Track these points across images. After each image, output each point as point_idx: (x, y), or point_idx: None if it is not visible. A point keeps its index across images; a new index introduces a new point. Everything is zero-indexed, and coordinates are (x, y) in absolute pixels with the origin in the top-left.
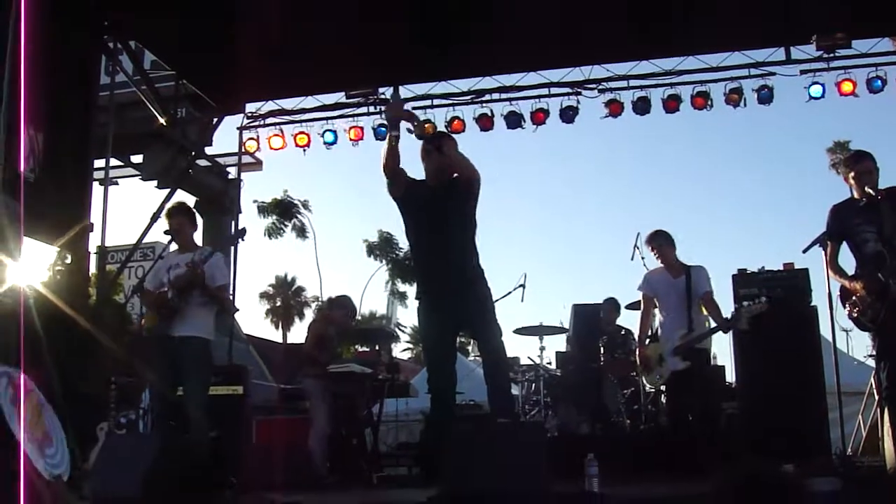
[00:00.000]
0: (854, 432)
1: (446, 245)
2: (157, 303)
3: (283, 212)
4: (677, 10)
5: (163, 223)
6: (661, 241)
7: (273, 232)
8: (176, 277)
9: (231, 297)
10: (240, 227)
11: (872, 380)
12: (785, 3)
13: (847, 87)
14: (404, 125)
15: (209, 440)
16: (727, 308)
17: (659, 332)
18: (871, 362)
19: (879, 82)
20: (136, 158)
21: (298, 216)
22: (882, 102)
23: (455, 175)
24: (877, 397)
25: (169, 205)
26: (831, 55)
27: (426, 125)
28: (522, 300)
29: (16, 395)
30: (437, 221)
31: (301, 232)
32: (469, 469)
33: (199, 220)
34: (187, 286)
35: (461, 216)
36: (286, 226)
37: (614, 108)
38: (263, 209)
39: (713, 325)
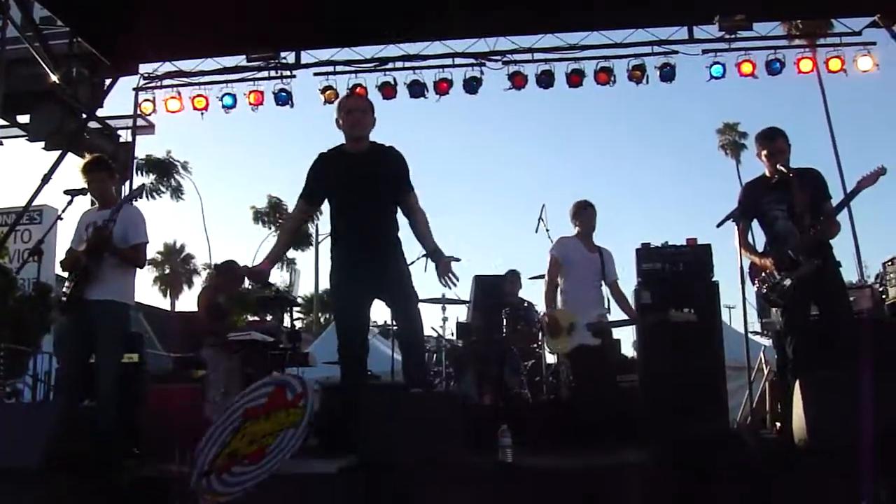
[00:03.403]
0: (742, 405)
1: (372, 210)
2: (69, 265)
3: (162, 172)
4: None
5: (62, 184)
6: (592, 212)
7: (149, 191)
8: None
9: (145, 257)
10: (138, 185)
11: (761, 355)
12: None
13: (747, 68)
14: None
15: (116, 411)
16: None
17: (562, 299)
18: (757, 338)
19: (778, 64)
20: (23, 118)
21: (176, 176)
22: (769, 86)
23: (380, 144)
24: (765, 372)
25: (84, 161)
26: (733, 36)
27: None
28: (425, 270)
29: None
30: (363, 186)
31: (176, 192)
32: (382, 439)
33: None
34: (95, 248)
35: (388, 184)
36: (165, 186)
37: (518, 81)
38: (139, 167)
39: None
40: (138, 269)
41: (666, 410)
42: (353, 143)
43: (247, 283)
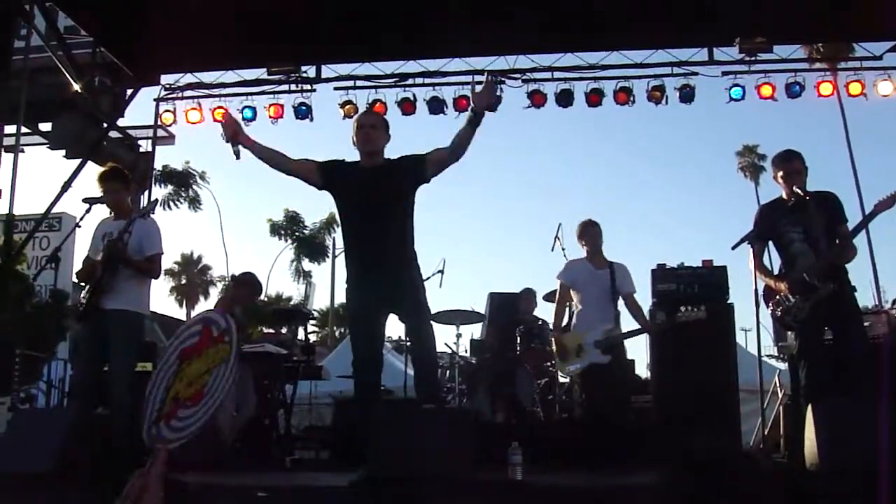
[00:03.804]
0: (756, 430)
1: (385, 228)
2: (85, 275)
3: (180, 182)
4: (604, 4)
5: (82, 192)
6: (596, 231)
7: (167, 202)
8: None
9: (159, 268)
10: (152, 199)
11: (776, 378)
12: (709, 5)
13: (766, 90)
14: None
15: (129, 419)
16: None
17: (574, 321)
18: (773, 361)
19: (798, 87)
20: (44, 126)
21: (194, 186)
22: (789, 108)
23: (393, 158)
24: (780, 395)
25: (101, 171)
26: (753, 58)
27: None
28: (440, 286)
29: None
30: (377, 203)
31: (193, 203)
32: (394, 453)
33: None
34: (109, 259)
35: (402, 199)
36: (183, 196)
37: (537, 99)
38: (155, 178)
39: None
40: (153, 280)
41: (677, 424)
42: (367, 159)
43: (263, 296)
